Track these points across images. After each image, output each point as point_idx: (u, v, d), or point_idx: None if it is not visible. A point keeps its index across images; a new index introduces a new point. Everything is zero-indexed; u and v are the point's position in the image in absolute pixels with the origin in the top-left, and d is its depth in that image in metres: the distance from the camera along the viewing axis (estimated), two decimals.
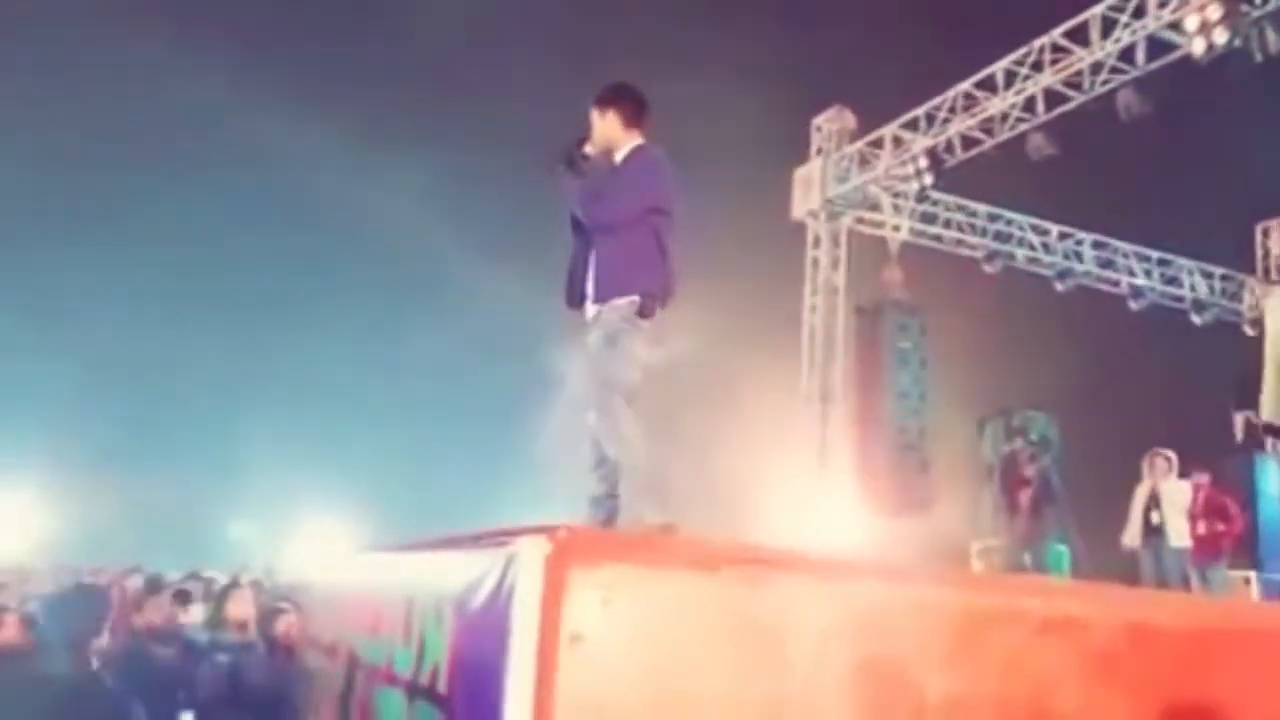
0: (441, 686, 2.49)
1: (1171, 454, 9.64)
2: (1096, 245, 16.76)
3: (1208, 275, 17.16)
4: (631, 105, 4.44)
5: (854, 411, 15.59)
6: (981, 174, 14.49)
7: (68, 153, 18.47)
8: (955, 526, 13.51)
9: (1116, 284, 16.76)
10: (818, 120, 16.20)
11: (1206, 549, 9.68)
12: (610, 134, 4.41)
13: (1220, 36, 10.64)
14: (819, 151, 16.09)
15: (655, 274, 4.23)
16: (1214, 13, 10.63)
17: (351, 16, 20.51)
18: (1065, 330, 16.30)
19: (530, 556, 2.06)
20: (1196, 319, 16.72)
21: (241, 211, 19.70)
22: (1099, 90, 12.31)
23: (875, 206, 16.06)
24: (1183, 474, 9.69)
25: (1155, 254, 17.01)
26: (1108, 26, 12.15)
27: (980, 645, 2.39)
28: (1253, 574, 11.83)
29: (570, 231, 4.44)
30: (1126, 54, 12.02)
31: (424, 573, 2.93)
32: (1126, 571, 9.34)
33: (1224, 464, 11.59)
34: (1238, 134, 14.29)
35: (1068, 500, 11.00)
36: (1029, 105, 12.98)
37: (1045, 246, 16.47)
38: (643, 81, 4.56)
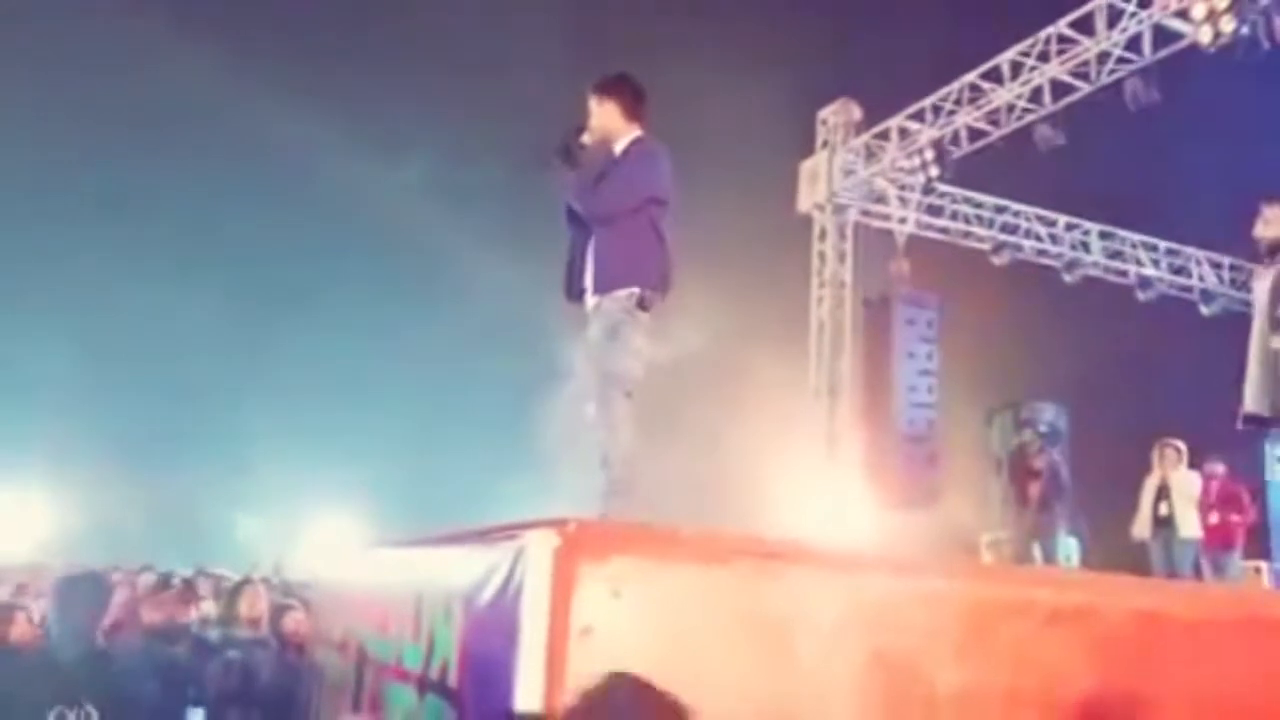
0: (451, 681, 2.49)
1: (1181, 445, 9.61)
2: (1104, 236, 16.71)
3: (1216, 265, 17.09)
4: (631, 95, 4.42)
5: (862, 404, 15.57)
6: (988, 165, 14.45)
7: (71, 142, 18.46)
8: (964, 519, 13.50)
9: (1124, 274, 16.71)
10: (823, 113, 16.16)
11: (1220, 539, 9.66)
12: (609, 124, 4.38)
13: (1227, 24, 10.57)
14: (825, 144, 16.05)
15: (654, 266, 4.21)
16: (1221, 1, 10.58)
17: (354, 1, 20.44)
18: (1073, 321, 16.25)
19: (539, 550, 2.06)
20: (1205, 309, 16.65)
21: (251, 204, 19.69)
22: (1106, 80, 12.27)
23: (882, 199, 16.03)
24: (1193, 465, 9.66)
25: (1163, 244, 16.95)
26: (1114, 16, 12.10)
27: (990, 637, 2.39)
28: (1263, 564, 11.80)
29: (566, 224, 4.42)
30: (1133, 43, 11.96)
31: (432, 568, 2.93)
32: (1136, 563, 9.32)
33: (1234, 455, 11.56)
34: (1246, 122, 14.24)
35: (1077, 492, 10.99)
36: (1035, 96, 12.94)
37: (1053, 238, 16.43)
38: (646, 75, 4.55)
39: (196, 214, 19.99)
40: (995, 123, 13.54)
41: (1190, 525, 9.32)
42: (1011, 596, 2.51)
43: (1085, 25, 12.40)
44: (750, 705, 2.14)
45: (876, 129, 15.41)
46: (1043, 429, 12.89)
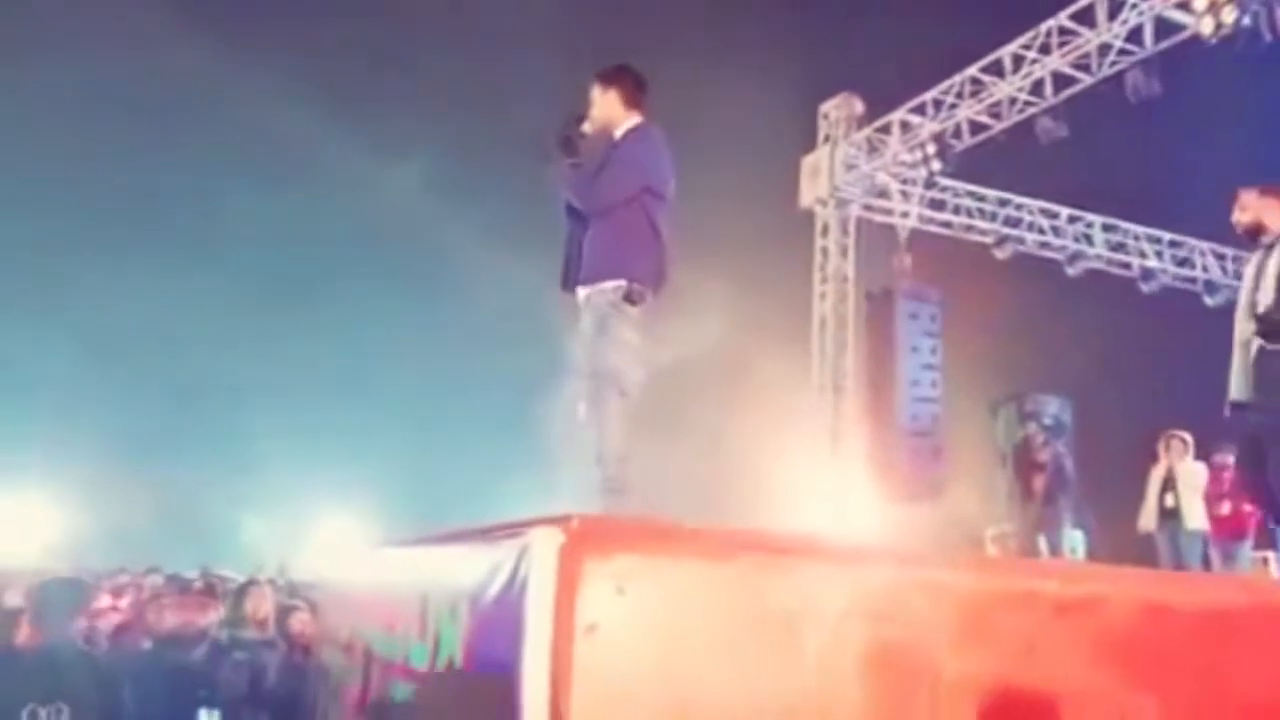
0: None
1: (1187, 436, 9.59)
2: (1107, 228, 16.69)
3: (1220, 256, 17.05)
4: (632, 84, 4.42)
5: (865, 399, 15.57)
6: (990, 159, 14.44)
7: (74, 138, 18.42)
8: (969, 512, 13.48)
9: (1128, 266, 16.69)
10: (825, 107, 16.15)
11: (1232, 529, 9.62)
12: (610, 112, 4.38)
13: (1228, 15, 10.57)
14: (826, 139, 16.05)
15: (645, 258, 4.17)
16: None
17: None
18: (1077, 314, 16.22)
19: (543, 548, 2.05)
20: (1209, 300, 16.61)
21: (256, 202, 19.63)
22: (1107, 72, 12.25)
23: (884, 193, 16.02)
24: (1200, 456, 9.63)
25: (1167, 236, 16.93)
26: (1115, 8, 12.09)
27: (996, 629, 2.38)
28: (1270, 554, 11.77)
29: (565, 215, 4.40)
30: (1134, 35, 11.96)
31: (437, 567, 2.93)
32: (1143, 555, 9.30)
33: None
34: (1248, 113, 14.19)
35: (1082, 484, 10.97)
36: (1037, 89, 12.93)
37: (1055, 230, 16.41)
38: (647, 70, 4.54)
39: (200, 213, 19.96)
40: (997, 116, 13.54)
41: (1196, 517, 9.29)
42: (1017, 589, 2.50)
43: (1086, 17, 12.39)
44: (756, 701, 2.13)
45: (878, 123, 15.40)
46: (1047, 422, 12.88)
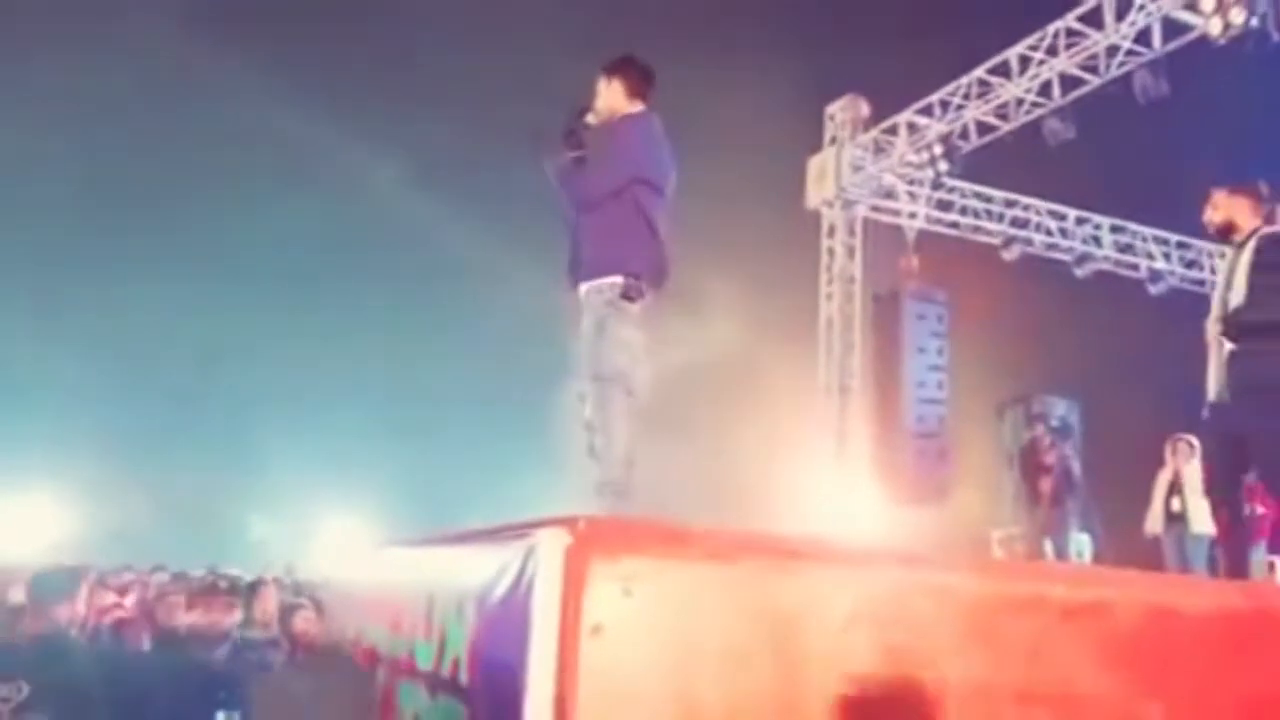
0: (463, 679, 2.50)
1: (1194, 439, 9.54)
2: (1115, 229, 16.65)
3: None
4: (637, 74, 4.35)
5: (872, 400, 15.54)
6: (998, 160, 14.42)
7: (75, 140, 18.46)
8: (975, 515, 13.47)
9: (1136, 268, 16.64)
10: (831, 108, 16.13)
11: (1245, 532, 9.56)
12: (613, 103, 4.32)
13: (1237, 16, 10.53)
14: (833, 140, 16.03)
15: (641, 253, 4.07)
16: None
17: None
18: (1084, 316, 16.18)
19: (550, 549, 2.05)
20: None
21: (260, 202, 19.67)
22: (1115, 73, 12.23)
23: (891, 194, 16.00)
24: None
25: (1174, 237, 16.88)
26: (1123, 9, 12.05)
27: (1002, 632, 2.38)
28: (1277, 559, 11.74)
29: (568, 211, 4.31)
30: (1142, 36, 11.92)
31: (444, 567, 2.94)
32: (1149, 559, 9.28)
33: None
34: (1256, 114, 14.15)
35: (1089, 487, 10.94)
36: (1044, 90, 12.91)
37: (1063, 232, 16.38)
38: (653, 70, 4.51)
39: (204, 213, 20.00)
40: (1004, 117, 13.52)
41: (1203, 520, 9.25)
42: (1024, 592, 2.49)
43: (1094, 18, 12.37)
44: (761, 701, 2.13)
45: (885, 124, 15.38)
46: (1054, 424, 12.83)
